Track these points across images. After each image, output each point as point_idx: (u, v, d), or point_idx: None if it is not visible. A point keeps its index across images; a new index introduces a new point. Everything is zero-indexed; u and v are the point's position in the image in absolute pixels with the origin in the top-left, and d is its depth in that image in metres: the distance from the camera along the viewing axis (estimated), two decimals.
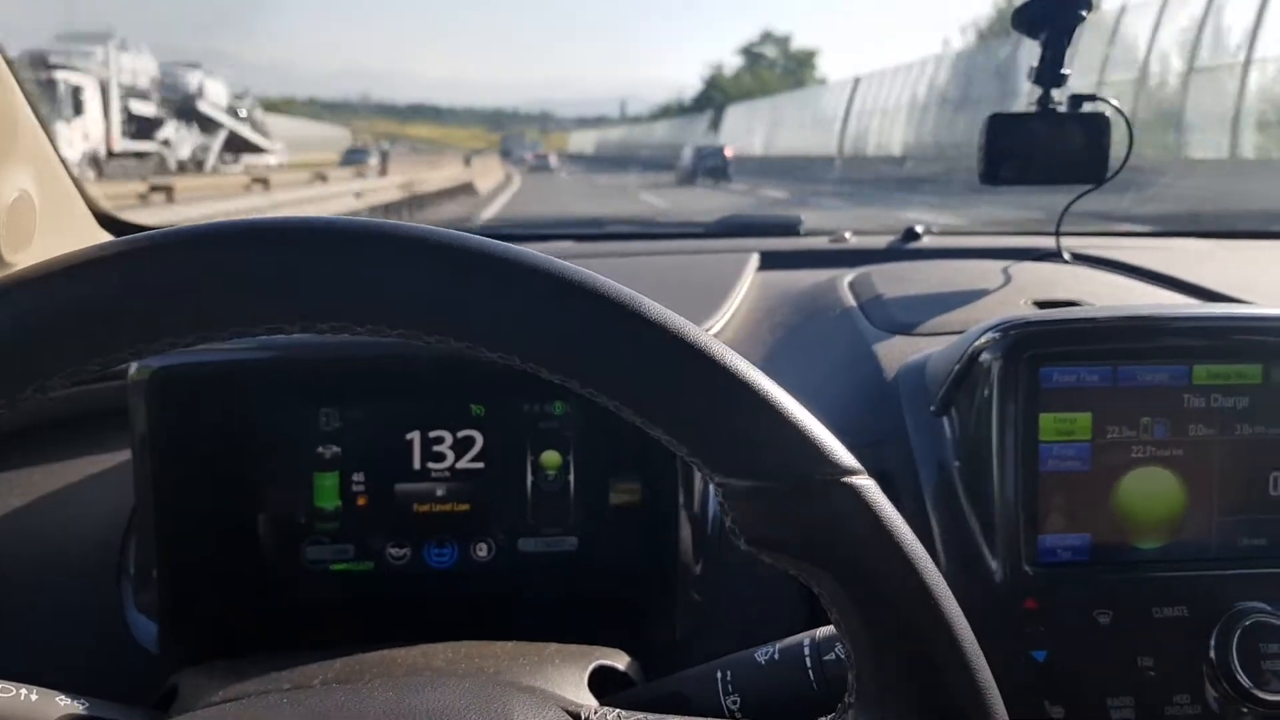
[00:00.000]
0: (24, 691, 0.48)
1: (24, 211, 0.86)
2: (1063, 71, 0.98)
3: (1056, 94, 0.98)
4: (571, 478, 0.74)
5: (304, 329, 0.33)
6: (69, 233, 0.97)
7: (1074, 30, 0.98)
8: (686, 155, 31.75)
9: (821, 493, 0.33)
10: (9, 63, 0.86)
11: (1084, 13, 0.97)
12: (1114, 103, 1.00)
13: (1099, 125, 1.00)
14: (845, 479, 0.34)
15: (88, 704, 0.50)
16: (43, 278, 0.31)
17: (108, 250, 0.31)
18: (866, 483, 0.34)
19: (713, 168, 29.78)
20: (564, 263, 0.33)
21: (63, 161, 0.96)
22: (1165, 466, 0.67)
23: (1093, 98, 1.00)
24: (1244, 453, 0.68)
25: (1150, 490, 0.67)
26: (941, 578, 0.35)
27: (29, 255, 0.87)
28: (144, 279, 0.31)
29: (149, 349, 0.32)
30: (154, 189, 8.89)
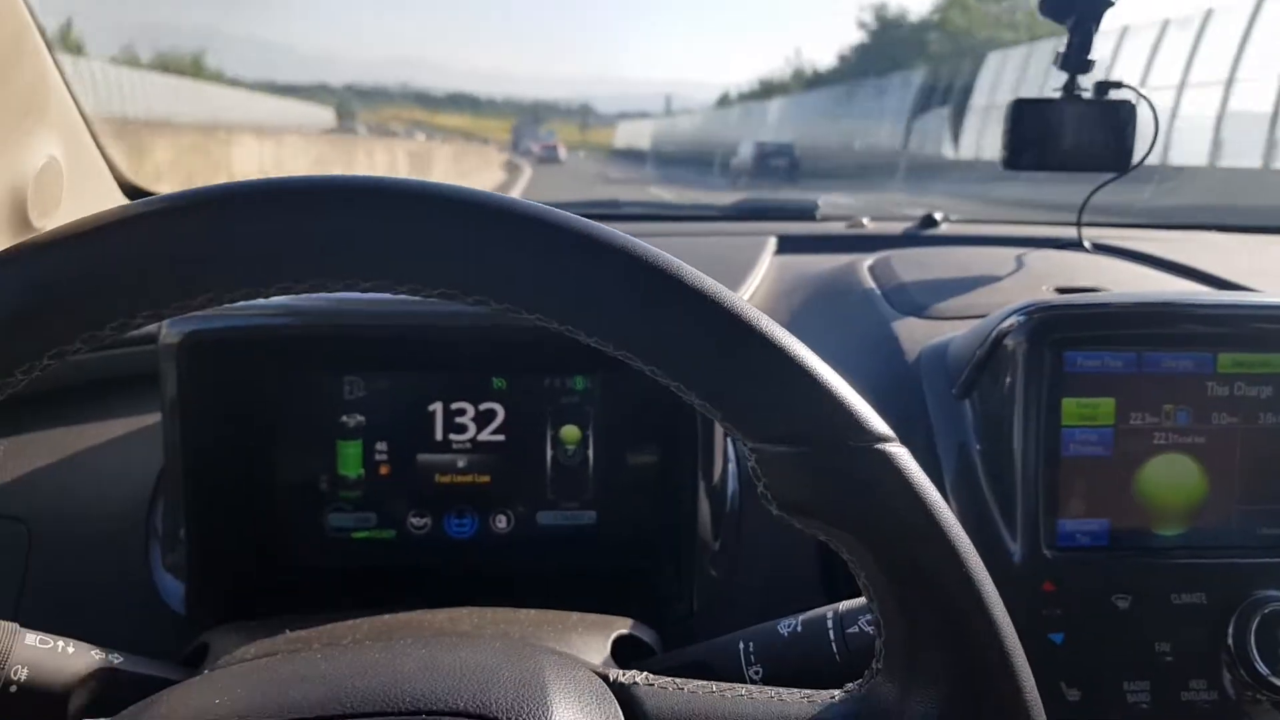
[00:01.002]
0: (61, 644, 0.49)
1: (52, 177, 0.87)
2: (1089, 58, 0.97)
3: (1083, 80, 0.98)
4: (590, 452, 0.74)
5: (349, 287, 0.33)
6: (95, 199, 0.97)
7: (1102, 16, 0.97)
8: (745, 152, 25.65)
9: (855, 458, 0.33)
10: (42, 32, 0.86)
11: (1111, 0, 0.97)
12: (1140, 90, 1.00)
13: (1124, 113, 0.99)
14: (879, 445, 0.34)
15: (122, 658, 0.51)
16: (92, 231, 0.31)
17: (145, 207, 0.32)
18: (899, 450, 0.34)
19: (778, 166, 24.05)
20: (603, 226, 0.34)
21: (91, 130, 0.97)
22: (1187, 454, 0.67)
23: (1119, 85, 0.99)
24: (1267, 442, 0.68)
25: (1171, 477, 0.67)
26: (972, 546, 0.35)
27: (56, 220, 0.88)
28: (194, 232, 0.31)
29: (194, 305, 0.32)
30: None
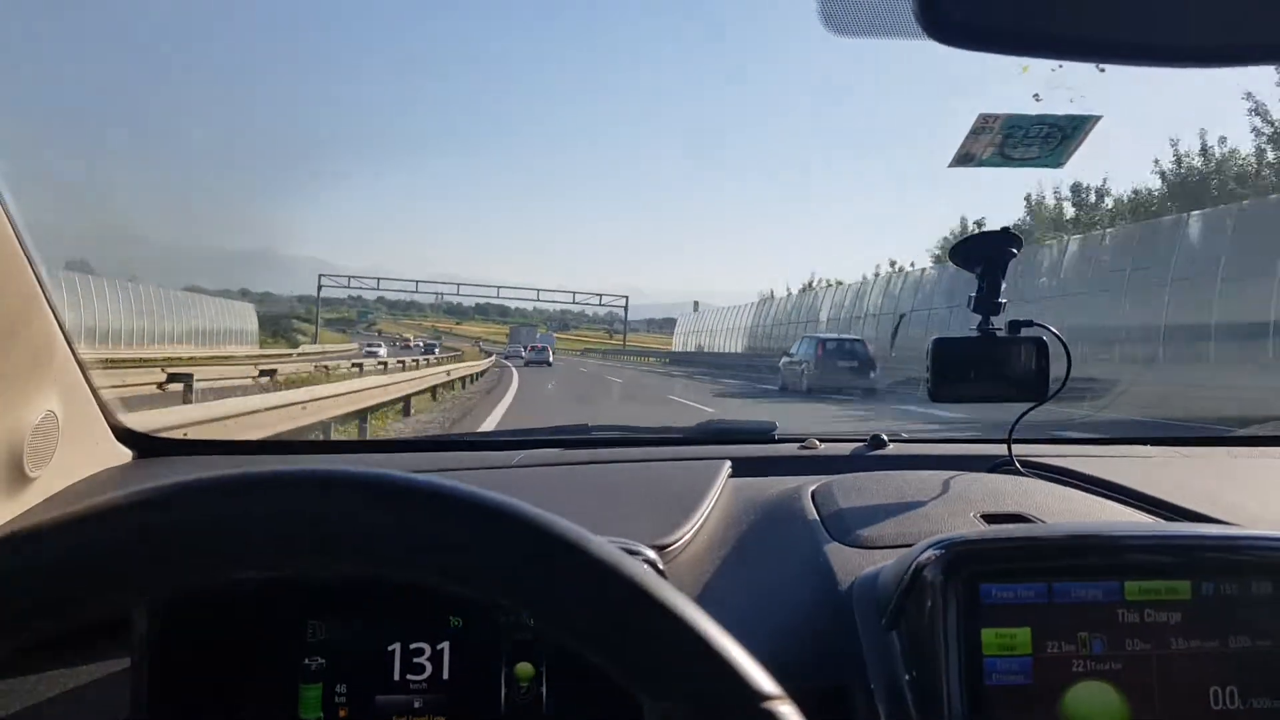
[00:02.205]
0: None
1: (48, 431, 0.94)
2: (999, 300, 1.08)
3: (995, 320, 1.08)
4: (544, 689, 0.77)
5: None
6: (89, 448, 1.03)
7: (1007, 264, 1.09)
8: (803, 351, 19.64)
9: (740, 717, 0.38)
10: (45, 291, 0.95)
11: (1014, 250, 1.09)
12: (1051, 328, 1.10)
13: (1039, 348, 1.09)
14: (765, 704, 0.38)
15: None
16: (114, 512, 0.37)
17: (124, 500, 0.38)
18: (786, 708, 0.39)
19: (848, 366, 18.23)
20: (510, 501, 0.40)
21: (89, 382, 1.04)
22: (1106, 680, 0.70)
23: (1030, 323, 1.09)
24: (1181, 667, 0.71)
25: (1094, 704, 0.70)
26: None
27: (49, 470, 0.94)
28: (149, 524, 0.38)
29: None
30: (171, 378, 9.15)
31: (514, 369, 28.42)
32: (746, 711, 0.38)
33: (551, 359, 43.78)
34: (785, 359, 20.84)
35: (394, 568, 0.39)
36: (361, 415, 8.55)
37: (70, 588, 0.37)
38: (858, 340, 20.29)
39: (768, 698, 0.38)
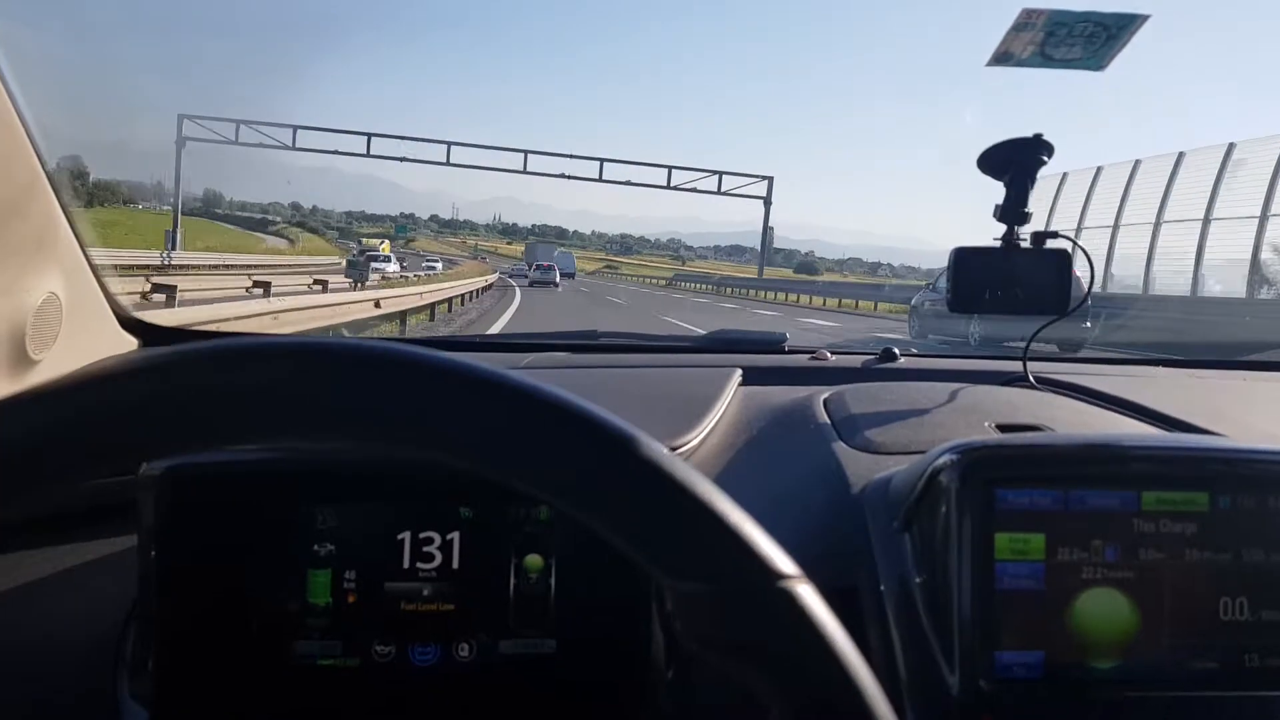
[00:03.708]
0: None
1: (50, 313, 0.92)
2: (1025, 210, 1.05)
3: (1020, 230, 1.06)
4: (553, 581, 0.77)
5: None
6: (93, 333, 1.02)
7: (1036, 172, 1.06)
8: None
9: (758, 596, 0.37)
10: (47, 173, 0.93)
11: (1045, 157, 1.05)
12: (1076, 240, 1.08)
13: (1061, 260, 1.07)
14: (783, 583, 0.37)
15: None
16: (99, 381, 0.36)
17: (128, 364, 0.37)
18: (804, 588, 0.38)
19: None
20: (532, 381, 0.38)
21: (92, 266, 1.02)
22: (1117, 588, 0.70)
23: (1055, 234, 1.07)
24: (1193, 578, 0.71)
25: (1103, 611, 0.70)
26: (873, 678, 0.38)
27: (52, 353, 0.93)
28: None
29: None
30: (155, 288, 9.07)
31: (518, 290, 27.75)
32: (765, 589, 0.37)
33: (559, 279, 41.15)
34: (926, 295, 13.76)
35: (402, 445, 0.38)
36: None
37: (58, 455, 0.35)
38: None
39: (786, 576, 0.38)
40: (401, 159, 53.80)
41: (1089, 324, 9.82)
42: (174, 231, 33.47)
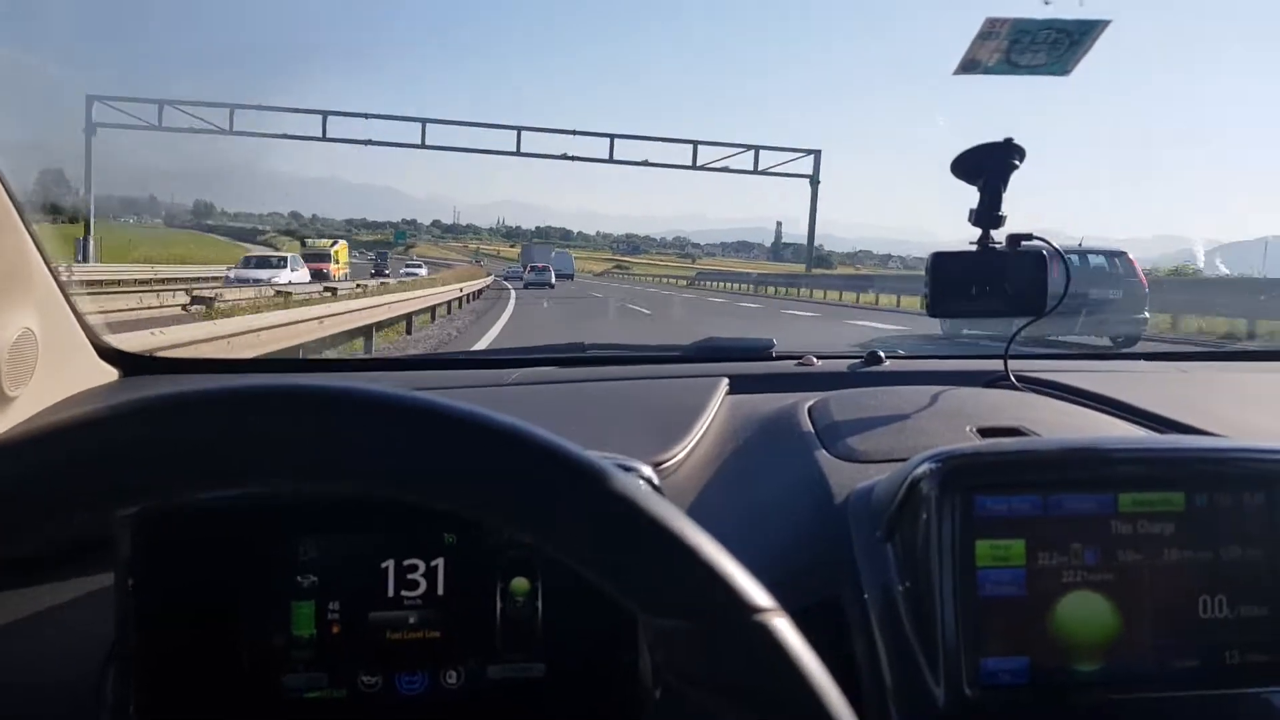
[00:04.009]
0: None
1: (26, 348, 0.92)
2: (999, 214, 1.06)
3: (995, 234, 1.06)
4: (539, 604, 0.77)
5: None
6: (71, 366, 1.02)
7: (1009, 176, 1.07)
8: None
9: (734, 630, 0.37)
10: (18, 206, 0.92)
11: (1016, 161, 1.06)
12: (1050, 243, 1.08)
13: (1037, 261, 1.08)
14: (757, 617, 0.38)
15: None
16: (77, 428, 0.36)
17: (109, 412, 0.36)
18: (778, 620, 0.38)
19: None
20: (499, 416, 0.38)
21: (67, 297, 1.02)
22: (1098, 590, 0.71)
23: (1029, 237, 1.07)
24: (1173, 577, 0.71)
25: (1085, 614, 0.71)
26: (849, 710, 0.38)
27: (29, 389, 0.92)
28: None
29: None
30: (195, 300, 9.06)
31: (513, 294, 26.38)
32: (741, 624, 0.37)
33: (554, 280, 38.67)
34: None
35: (377, 487, 0.38)
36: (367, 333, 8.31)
37: (31, 503, 0.35)
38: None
39: (761, 610, 0.38)
40: (366, 142, 47.93)
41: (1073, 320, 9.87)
42: (85, 240, 26.45)
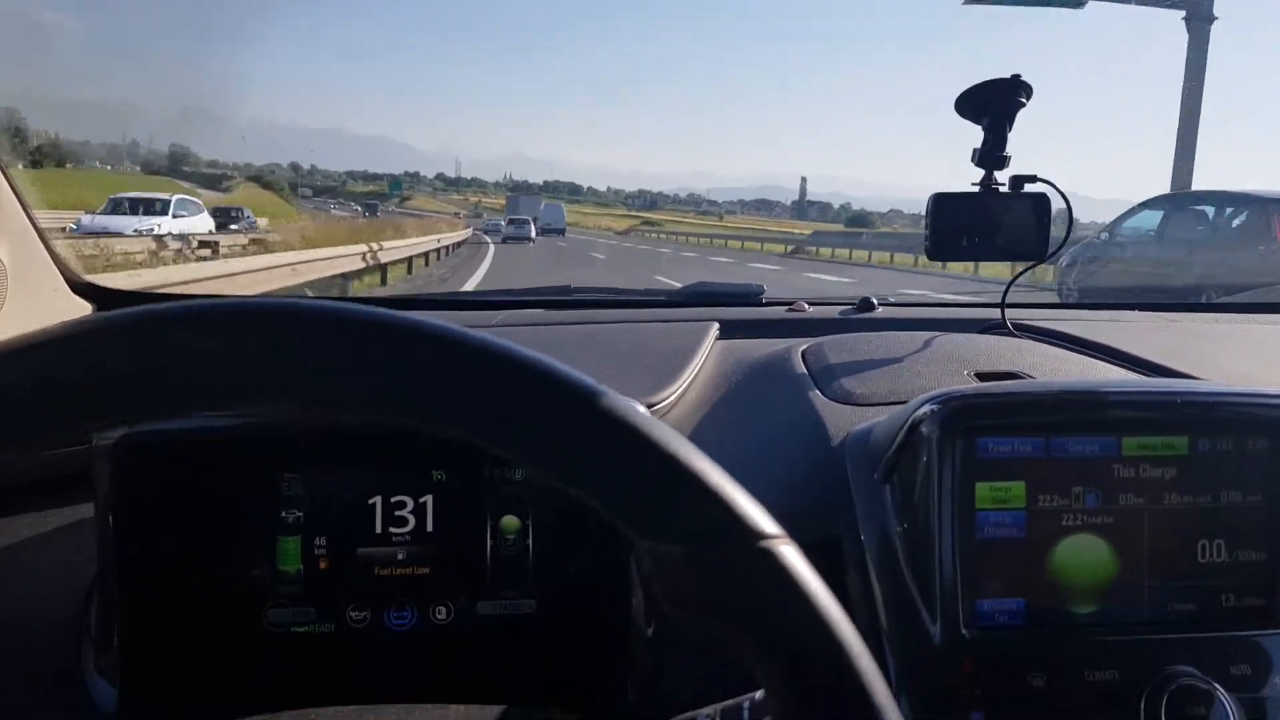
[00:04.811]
0: None
1: None
2: (1004, 154, 1.03)
3: (999, 175, 1.04)
4: (530, 541, 0.76)
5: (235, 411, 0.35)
6: (42, 299, 0.99)
7: (1014, 116, 1.04)
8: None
9: (740, 557, 0.35)
10: None
11: (1023, 100, 1.03)
12: (1054, 184, 1.06)
13: (1040, 204, 1.06)
14: (763, 543, 0.36)
15: None
16: (35, 347, 0.34)
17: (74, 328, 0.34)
18: (785, 547, 0.36)
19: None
20: (490, 336, 0.36)
21: (38, 231, 0.99)
22: (1097, 534, 0.70)
23: (1034, 178, 1.05)
24: (1172, 521, 0.71)
25: (1083, 557, 0.70)
26: (859, 638, 0.37)
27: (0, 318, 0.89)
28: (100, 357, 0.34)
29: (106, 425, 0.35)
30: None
31: (491, 249, 25.21)
32: (745, 550, 0.35)
33: (534, 235, 36.58)
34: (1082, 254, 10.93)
35: (361, 410, 0.36)
36: None
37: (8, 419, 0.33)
38: None
39: (768, 536, 0.36)
40: None
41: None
42: None
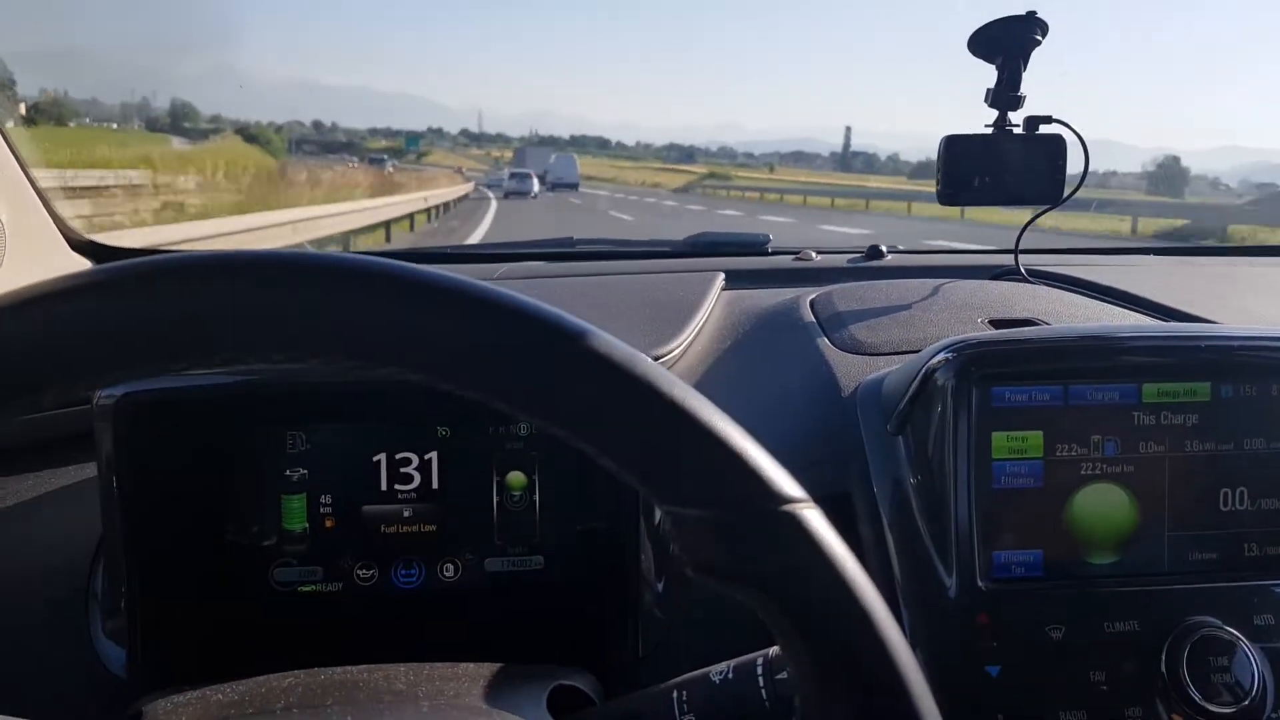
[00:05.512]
0: None
1: None
2: (1018, 94, 1.00)
3: (1012, 116, 1.01)
4: (537, 498, 0.75)
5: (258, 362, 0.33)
6: (40, 257, 0.97)
7: (1029, 54, 1.00)
8: None
9: (764, 521, 0.34)
10: None
11: (1039, 37, 1.00)
12: (1070, 125, 1.03)
13: (1055, 146, 1.02)
14: (787, 507, 0.34)
15: None
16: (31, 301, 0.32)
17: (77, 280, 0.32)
18: (810, 511, 0.35)
19: None
20: (514, 293, 0.34)
21: (36, 189, 0.97)
22: (1116, 483, 0.69)
23: (1049, 119, 1.02)
24: (1194, 469, 0.69)
25: (1102, 506, 0.69)
26: (883, 603, 0.35)
27: None
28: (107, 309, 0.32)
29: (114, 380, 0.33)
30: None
31: (492, 204, 24.38)
32: (768, 514, 0.34)
33: (535, 190, 35.40)
34: None
35: (376, 363, 0.34)
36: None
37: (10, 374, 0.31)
38: None
39: (791, 500, 0.35)
40: None
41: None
42: None
